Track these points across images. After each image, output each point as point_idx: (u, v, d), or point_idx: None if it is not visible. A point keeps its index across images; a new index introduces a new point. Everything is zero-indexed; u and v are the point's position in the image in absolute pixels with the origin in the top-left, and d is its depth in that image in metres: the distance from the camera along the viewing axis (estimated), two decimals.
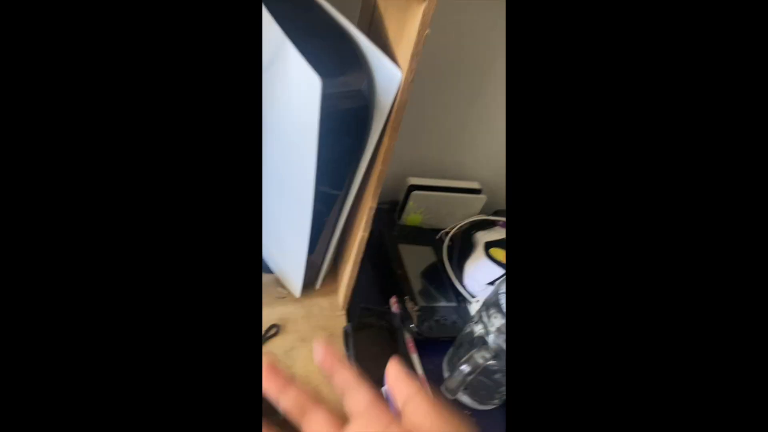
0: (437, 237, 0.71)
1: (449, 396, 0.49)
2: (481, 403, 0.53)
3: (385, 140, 0.39)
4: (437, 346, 0.57)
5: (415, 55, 0.33)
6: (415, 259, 0.66)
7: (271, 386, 0.23)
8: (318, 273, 0.57)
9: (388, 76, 0.36)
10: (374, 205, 0.44)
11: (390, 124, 0.38)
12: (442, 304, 0.60)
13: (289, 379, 0.23)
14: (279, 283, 0.57)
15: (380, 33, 0.42)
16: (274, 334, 0.52)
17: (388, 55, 0.36)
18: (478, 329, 0.49)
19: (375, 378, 0.49)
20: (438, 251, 0.68)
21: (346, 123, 0.40)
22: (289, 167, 0.44)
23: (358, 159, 0.43)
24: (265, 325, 0.52)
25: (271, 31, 0.36)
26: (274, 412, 0.22)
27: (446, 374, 0.55)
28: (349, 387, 0.23)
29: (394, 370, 0.22)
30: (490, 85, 0.68)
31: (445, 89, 0.67)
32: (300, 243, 0.48)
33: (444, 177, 0.74)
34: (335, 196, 0.48)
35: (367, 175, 0.44)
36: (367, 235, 0.47)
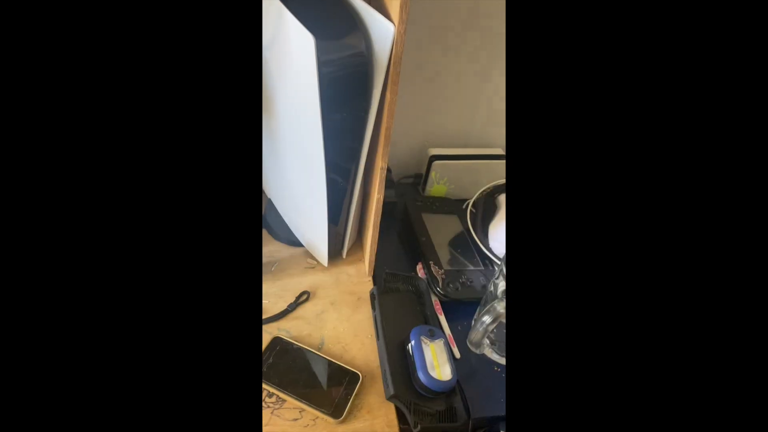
0: (464, 206, 0.71)
1: (474, 350, 0.50)
2: None
3: (388, 95, 0.40)
4: (466, 307, 0.57)
5: (404, 5, 0.35)
6: (440, 227, 0.66)
7: None
8: (343, 243, 0.60)
9: (383, 31, 0.37)
10: (385, 166, 0.46)
11: (390, 78, 0.39)
12: (469, 268, 0.61)
13: None
14: (308, 255, 0.61)
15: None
16: (305, 300, 0.55)
17: (386, 17, 0.38)
18: (501, 285, 0.49)
19: (400, 337, 0.50)
20: (464, 220, 0.68)
21: (350, 85, 0.42)
22: (300, 138, 0.47)
23: (364, 121, 0.45)
24: (296, 293, 0.55)
25: (272, 8, 0.39)
26: None
27: None
28: None
29: None
30: (503, 51, 0.67)
31: (457, 56, 0.67)
32: (320, 213, 0.51)
33: (466, 146, 0.74)
34: (348, 164, 0.50)
35: (375, 136, 0.46)
36: (382, 197, 0.49)
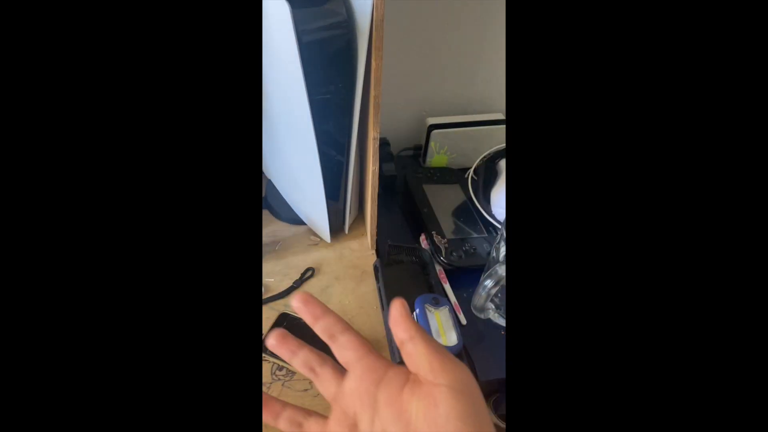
0: (465, 175, 0.70)
1: (479, 315, 0.50)
2: None
3: (373, 62, 0.39)
4: (471, 275, 0.57)
5: None
6: (442, 197, 0.65)
7: (283, 352, 0.25)
8: (344, 218, 0.60)
9: None
10: (377, 136, 0.45)
11: (374, 43, 0.38)
12: (473, 236, 0.60)
13: (299, 345, 0.25)
14: (311, 233, 0.61)
15: None
16: (310, 276, 0.55)
17: None
18: (503, 249, 0.49)
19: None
20: (466, 188, 0.67)
21: (335, 55, 0.41)
22: (290, 114, 0.46)
23: (352, 91, 0.44)
24: (301, 270, 0.56)
25: None
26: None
27: None
28: (334, 334, 0.24)
29: (395, 311, 0.23)
30: (498, 11, 0.64)
31: (452, 22, 0.64)
32: (317, 190, 0.51)
33: (465, 112, 0.72)
34: (341, 138, 0.49)
35: (365, 107, 0.45)
36: (377, 168, 0.48)
